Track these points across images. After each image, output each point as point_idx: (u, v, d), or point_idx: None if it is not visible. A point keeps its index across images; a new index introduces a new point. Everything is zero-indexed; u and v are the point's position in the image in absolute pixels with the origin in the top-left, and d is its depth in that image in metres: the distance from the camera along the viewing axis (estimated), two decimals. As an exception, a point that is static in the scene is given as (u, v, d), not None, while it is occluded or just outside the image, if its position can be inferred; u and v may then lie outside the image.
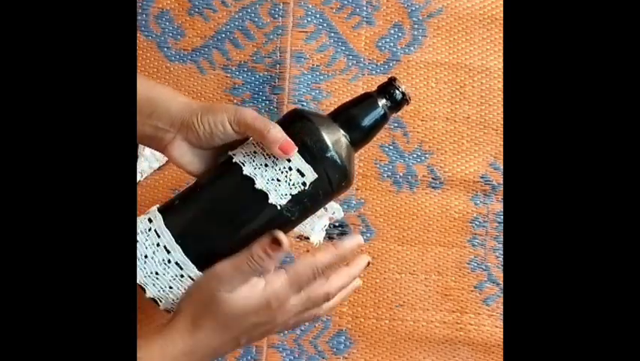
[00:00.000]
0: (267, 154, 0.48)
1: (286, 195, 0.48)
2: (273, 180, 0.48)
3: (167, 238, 0.48)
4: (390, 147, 0.71)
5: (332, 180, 0.48)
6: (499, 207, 0.71)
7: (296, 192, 0.48)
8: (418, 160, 0.71)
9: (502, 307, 0.69)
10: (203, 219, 0.49)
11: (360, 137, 0.51)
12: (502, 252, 0.70)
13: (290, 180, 0.47)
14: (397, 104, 0.51)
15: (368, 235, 0.70)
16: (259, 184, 0.47)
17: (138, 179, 0.69)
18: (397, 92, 0.51)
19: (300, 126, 0.48)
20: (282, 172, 0.48)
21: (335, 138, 0.48)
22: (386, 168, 0.71)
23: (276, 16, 0.72)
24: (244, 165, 0.48)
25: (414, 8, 0.72)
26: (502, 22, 0.72)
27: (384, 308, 0.69)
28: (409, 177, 0.71)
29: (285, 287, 0.48)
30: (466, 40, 0.72)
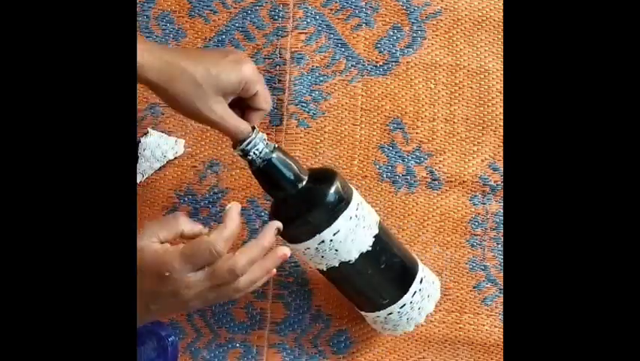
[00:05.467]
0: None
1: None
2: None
3: None
4: (390, 148, 0.71)
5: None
6: (497, 207, 0.71)
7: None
8: (417, 161, 0.71)
9: (500, 306, 0.70)
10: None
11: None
12: (500, 252, 0.71)
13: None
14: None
15: (367, 235, 0.70)
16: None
17: (139, 179, 0.69)
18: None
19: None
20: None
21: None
22: (385, 169, 0.71)
23: (276, 17, 0.72)
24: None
25: (413, 10, 0.73)
26: (500, 23, 0.73)
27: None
28: (408, 177, 0.71)
29: (176, 259, 0.50)
30: (465, 42, 0.73)
